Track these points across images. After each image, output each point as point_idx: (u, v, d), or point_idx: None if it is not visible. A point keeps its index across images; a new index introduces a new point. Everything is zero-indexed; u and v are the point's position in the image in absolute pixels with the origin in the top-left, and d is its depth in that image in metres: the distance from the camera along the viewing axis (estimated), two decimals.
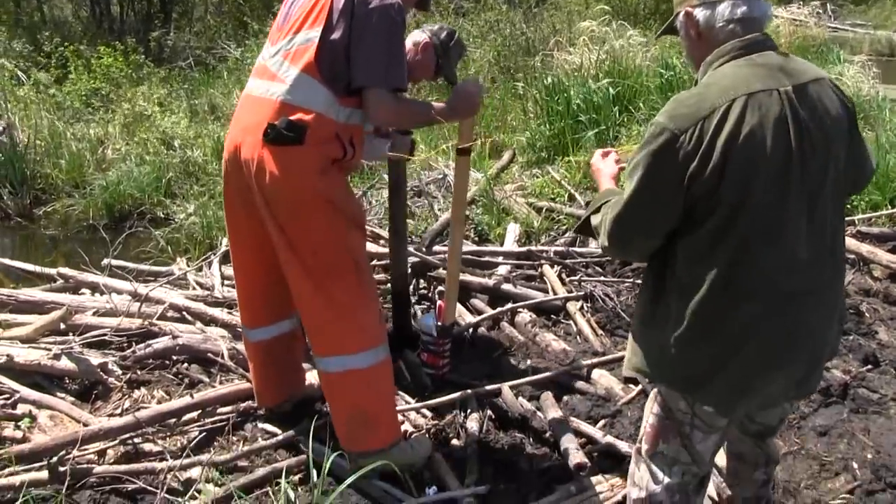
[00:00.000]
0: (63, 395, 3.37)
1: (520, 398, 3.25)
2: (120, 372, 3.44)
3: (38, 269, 4.87)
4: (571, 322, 3.92)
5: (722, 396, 1.88)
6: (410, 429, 3.04)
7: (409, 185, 5.37)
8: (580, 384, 3.36)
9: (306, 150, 2.43)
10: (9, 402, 3.17)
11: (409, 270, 4.24)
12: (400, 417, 3.03)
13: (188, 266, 4.80)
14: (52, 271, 4.75)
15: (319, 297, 2.56)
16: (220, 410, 3.21)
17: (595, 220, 1.98)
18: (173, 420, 3.10)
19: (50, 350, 3.49)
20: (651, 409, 2.06)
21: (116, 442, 2.96)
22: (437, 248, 4.45)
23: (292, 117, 2.42)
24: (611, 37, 7.93)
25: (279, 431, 3.06)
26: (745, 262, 1.76)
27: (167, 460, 2.87)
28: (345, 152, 2.50)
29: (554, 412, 3.09)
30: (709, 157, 1.70)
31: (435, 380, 3.34)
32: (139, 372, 3.51)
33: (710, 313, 1.80)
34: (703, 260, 1.79)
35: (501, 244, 4.71)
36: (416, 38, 3.31)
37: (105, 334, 3.68)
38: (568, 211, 5.06)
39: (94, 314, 3.89)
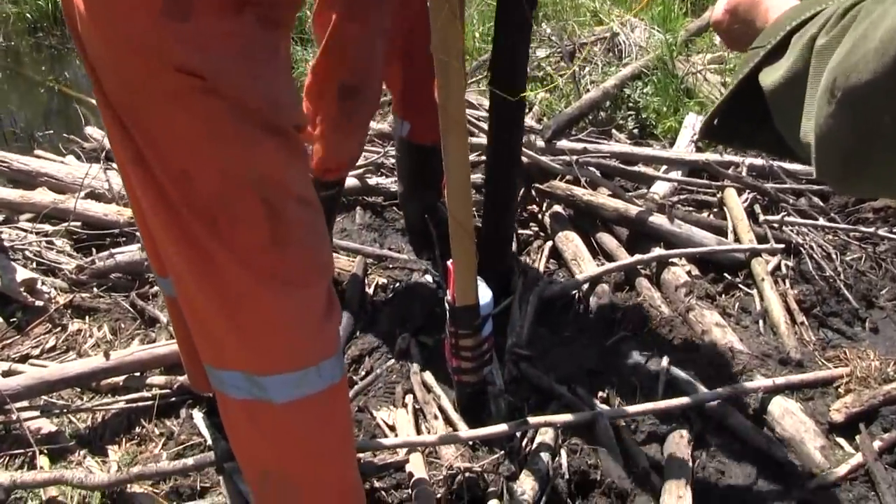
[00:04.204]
0: None
1: (628, 437, 1.88)
2: (54, 294, 2.40)
3: None
4: (755, 293, 2.39)
5: None
6: (418, 474, 1.77)
7: (556, 45, 3.84)
8: (745, 425, 1.91)
9: None
10: None
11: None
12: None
13: None
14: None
15: (195, 260, 1.27)
16: (150, 380, 2.09)
17: (771, 76, 0.73)
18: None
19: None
20: None
21: None
22: (564, 143, 2.95)
23: None
24: None
25: (209, 437, 1.91)
26: None
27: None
28: None
29: (678, 484, 1.69)
30: None
31: (461, 387, 1.97)
32: (95, 291, 2.46)
33: None
34: None
35: (671, 145, 3.13)
36: None
37: (60, 231, 2.64)
38: None
39: (80, 196, 2.82)
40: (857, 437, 1.83)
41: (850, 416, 1.88)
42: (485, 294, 1.79)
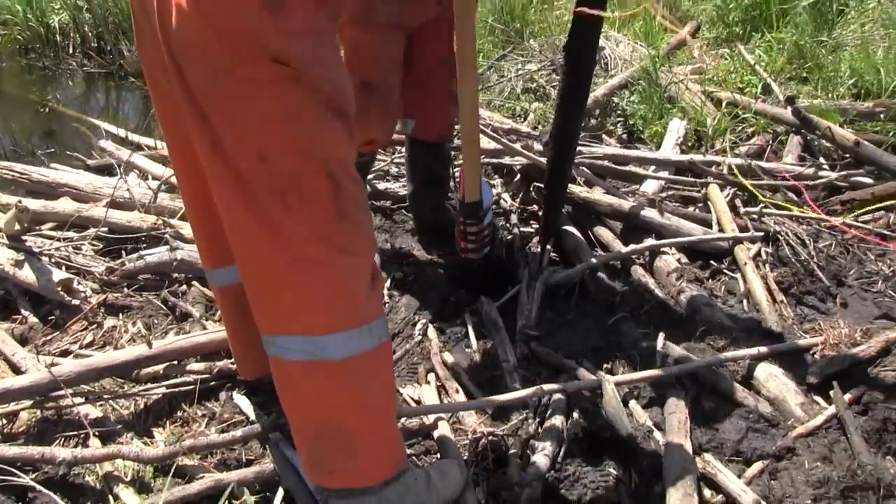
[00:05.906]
0: (27, 313, 2.57)
1: (632, 402, 2.11)
2: (88, 293, 2.58)
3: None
4: (738, 277, 2.64)
5: None
6: (444, 434, 1.98)
7: (546, 58, 4.11)
8: (735, 388, 2.14)
9: None
10: None
11: (517, 177, 3.09)
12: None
13: None
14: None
15: (265, 234, 1.48)
16: (189, 367, 2.29)
17: None
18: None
19: (30, 251, 2.70)
20: None
21: (30, 404, 2.11)
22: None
23: None
24: None
25: (252, 414, 2.11)
26: None
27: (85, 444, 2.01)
28: None
29: (678, 436, 1.92)
30: None
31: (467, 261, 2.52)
32: (126, 290, 2.64)
33: None
34: None
35: (657, 147, 3.39)
36: None
37: (88, 236, 2.83)
38: (759, 108, 3.60)
39: (108, 205, 3.01)
40: (831, 393, 2.06)
41: (824, 377, 2.12)
42: (486, 192, 2.35)
